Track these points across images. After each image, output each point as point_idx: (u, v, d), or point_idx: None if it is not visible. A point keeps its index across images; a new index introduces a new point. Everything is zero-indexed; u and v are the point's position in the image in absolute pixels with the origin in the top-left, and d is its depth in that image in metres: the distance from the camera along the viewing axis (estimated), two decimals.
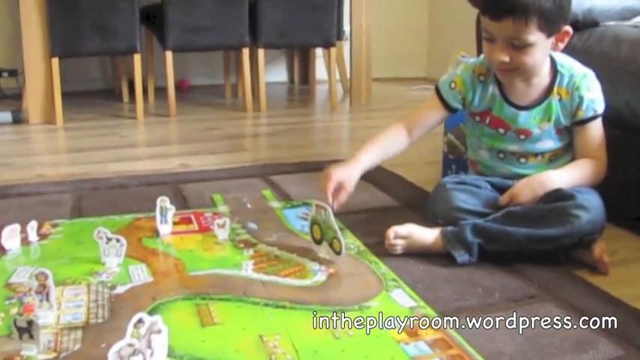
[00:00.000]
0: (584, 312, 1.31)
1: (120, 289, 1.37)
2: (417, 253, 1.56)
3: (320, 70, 4.48)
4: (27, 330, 1.12)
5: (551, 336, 1.22)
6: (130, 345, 1.00)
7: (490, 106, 1.68)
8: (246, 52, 3.55)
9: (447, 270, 1.50)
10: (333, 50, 3.77)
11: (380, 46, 4.01)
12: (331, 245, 1.50)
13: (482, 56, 1.69)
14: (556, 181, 1.57)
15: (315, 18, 3.63)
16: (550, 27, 1.51)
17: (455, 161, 2.11)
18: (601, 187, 1.61)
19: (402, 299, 1.34)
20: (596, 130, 1.64)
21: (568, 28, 1.56)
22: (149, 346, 1.03)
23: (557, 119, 1.64)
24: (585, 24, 1.95)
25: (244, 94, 3.65)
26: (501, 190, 1.66)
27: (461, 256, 1.52)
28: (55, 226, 1.74)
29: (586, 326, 1.25)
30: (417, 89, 4.58)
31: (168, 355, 1.10)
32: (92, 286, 1.38)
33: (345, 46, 4.25)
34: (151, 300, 1.32)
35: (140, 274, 1.45)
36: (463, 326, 1.24)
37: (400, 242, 1.56)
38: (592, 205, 1.50)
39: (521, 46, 1.51)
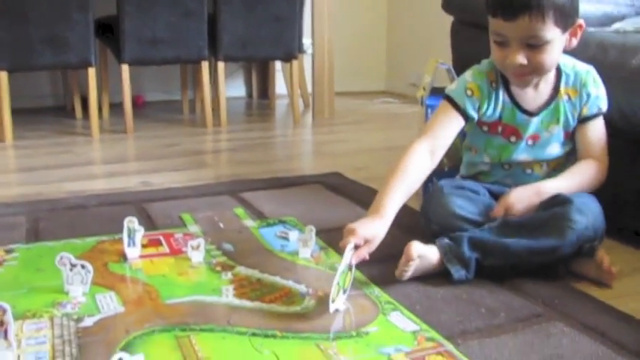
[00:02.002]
0: (596, 330, 1.23)
1: (88, 322, 1.22)
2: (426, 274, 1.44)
3: (279, 85, 4.37)
4: None
5: (570, 357, 1.12)
6: None
7: (500, 114, 1.57)
8: (205, 65, 3.41)
9: (444, 289, 1.39)
10: (295, 63, 3.66)
11: (339, 60, 3.92)
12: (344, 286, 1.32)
13: (486, 62, 1.59)
14: (553, 189, 1.49)
15: (277, 30, 3.51)
16: (565, 21, 1.43)
17: (435, 173, 2.01)
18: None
19: (403, 323, 1.23)
20: (598, 128, 1.57)
21: (581, 21, 1.48)
22: None
23: (565, 121, 1.56)
24: None
25: (204, 109, 3.51)
26: (500, 197, 1.55)
27: (457, 272, 1.41)
28: (9, 251, 1.58)
29: (603, 346, 1.16)
30: (378, 102, 4.51)
31: None
32: (56, 319, 1.23)
33: (305, 59, 4.15)
34: (124, 333, 1.18)
35: (109, 303, 1.31)
36: (472, 351, 1.13)
37: (416, 262, 1.40)
38: (590, 210, 1.44)
39: (538, 45, 1.42)
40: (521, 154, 1.59)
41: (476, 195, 1.58)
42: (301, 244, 1.57)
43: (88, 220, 1.84)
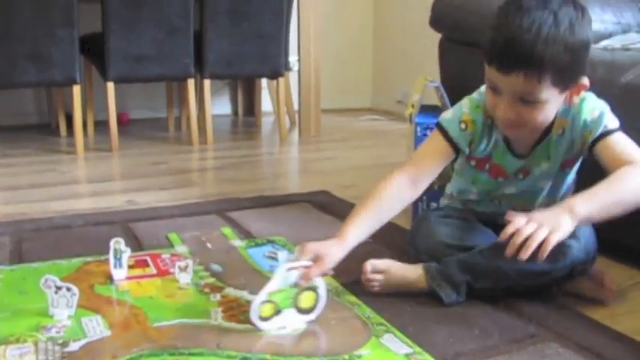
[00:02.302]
0: (591, 350, 1.22)
1: (73, 346, 1.19)
2: (400, 292, 1.43)
3: (265, 102, 4.36)
4: None
5: None
6: None
7: (491, 152, 1.49)
8: (191, 82, 3.39)
9: (435, 310, 1.38)
10: (281, 80, 3.65)
11: (324, 77, 3.91)
12: (296, 304, 1.28)
13: (483, 90, 1.46)
14: (586, 206, 1.27)
15: (263, 48, 3.49)
16: (565, 82, 1.31)
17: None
18: None
19: (395, 345, 1.21)
20: (618, 142, 1.37)
21: (584, 81, 1.35)
22: None
23: (557, 157, 1.45)
24: None
25: (189, 127, 3.48)
26: (490, 223, 1.53)
27: (448, 297, 1.40)
28: None
29: None
30: (365, 120, 4.50)
31: None
32: (40, 344, 1.20)
33: (291, 76, 4.14)
34: (111, 358, 1.15)
35: (95, 327, 1.27)
36: None
37: (378, 277, 1.44)
38: (582, 233, 1.39)
39: (531, 102, 1.30)
40: (509, 188, 1.52)
41: (464, 222, 1.54)
42: None
43: (73, 240, 1.81)
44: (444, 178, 1.83)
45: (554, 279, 1.40)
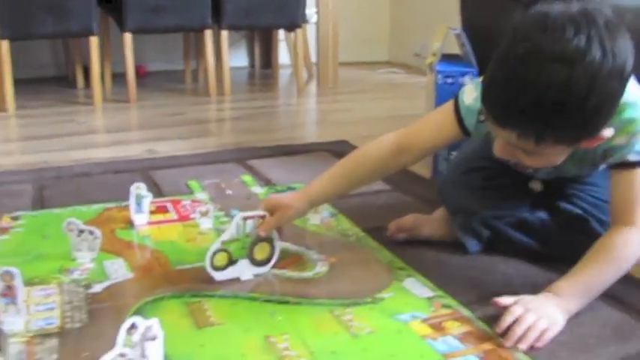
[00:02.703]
0: (614, 297, 1.20)
1: (97, 288, 1.20)
2: (422, 240, 1.43)
3: (282, 55, 4.32)
4: None
5: (588, 325, 1.10)
6: (122, 355, 0.84)
7: None
8: (208, 33, 3.36)
9: (457, 255, 1.38)
10: (299, 32, 3.61)
11: (342, 30, 3.86)
12: (251, 254, 1.26)
13: None
14: (569, 294, 1.11)
15: None
16: (572, 141, 1.05)
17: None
18: None
19: (417, 289, 1.21)
20: (625, 183, 1.15)
21: (607, 132, 1.06)
22: (143, 355, 0.87)
23: (583, 164, 1.25)
24: None
25: (207, 79, 3.46)
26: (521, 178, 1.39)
27: (473, 247, 1.39)
28: (15, 218, 1.55)
29: (621, 313, 1.14)
30: (382, 72, 4.46)
31: None
32: (64, 285, 1.21)
33: (309, 29, 4.09)
34: (134, 299, 1.16)
35: (118, 269, 1.28)
36: (489, 317, 1.11)
37: (403, 236, 1.43)
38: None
39: (530, 153, 1.06)
40: (535, 173, 1.35)
41: (503, 192, 1.37)
42: (312, 211, 1.54)
43: (93, 187, 1.82)
44: None
45: None
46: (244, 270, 1.25)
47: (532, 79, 0.95)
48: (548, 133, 1.00)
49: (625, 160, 1.13)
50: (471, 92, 1.24)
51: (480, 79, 1.17)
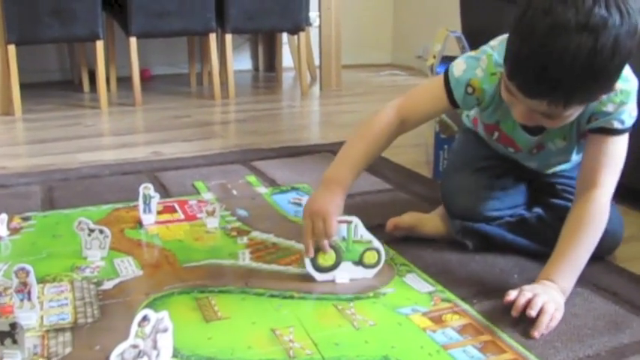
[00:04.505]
0: (608, 290, 1.24)
1: (107, 285, 1.24)
2: (422, 238, 1.46)
3: (285, 58, 4.36)
4: (9, 334, 0.98)
5: (583, 317, 1.14)
6: (134, 346, 0.88)
7: (499, 120, 1.36)
8: (213, 37, 3.40)
9: (456, 251, 1.41)
10: (302, 35, 3.65)
11: (345, 33, 3.90)
12: (361, 261, 1.29)
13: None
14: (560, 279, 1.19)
15: (284, 2, 3.49)
16: (594, 98, 1.15)
17: (447, 141, 2.01)
18: None
19: (418, 284, 1.25)
20: (609, 148, 1.23)
21: (619, 85, 1.16)
22: (155, 347, 0.91)
23: (571, 136, 1.31)
24: None
25: (211, 82, 3.51)
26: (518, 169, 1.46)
27: (471, 245, 1.43)
28: (26, 219, 1.59)
29: (615, 305, 1.18)
30: (385, 74, 4.49)
31: (173, 355, 0.98)
32: (76, 283, 1.25)
33: (312, 32, 4.14)
34: (144, 295, 1.20)
35: (128, 267, 1.32)
36: (487, 310, 1.15)
37: (401, 234, 1.47)
38: (613, 229, 1.32)
39: (552, 117, 1.15)
40: (524, 162, 1.43)
41: (503, 192, 1.43)
42: None
43: (101, 188, 1.86)
44: (447, 130, 1.83)
45: None
46: (343, 272, 1.27)
47: (561, 51, 1.01)
48: (576, 97, 1.08)
49: (608, 125, 1.21)
50: (460, 65, 1.31)
51: (471, 53, 1.31)
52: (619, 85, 1.16)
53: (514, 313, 1.10)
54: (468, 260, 1.37)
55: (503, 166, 1.45)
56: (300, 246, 1.40)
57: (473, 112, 1.50)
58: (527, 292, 1.12)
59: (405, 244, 1.44)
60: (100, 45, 3.14)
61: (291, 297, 1.19)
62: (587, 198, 1.22)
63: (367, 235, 1.28)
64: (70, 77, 3.99)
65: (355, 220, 1.27)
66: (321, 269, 1.26)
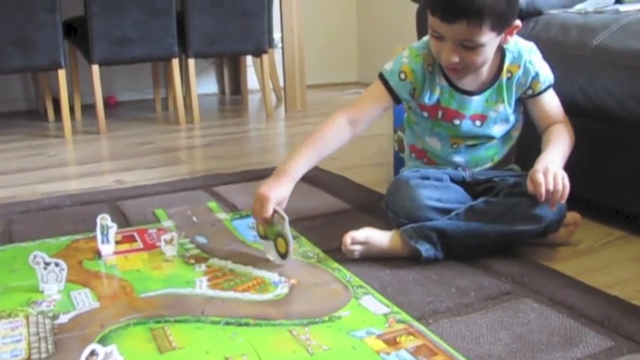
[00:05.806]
0: (564, 304, 1.26)
1: (63, 319, 1.23)
2: (379, 257, 1.47)
3: (251, 80, 4.37)
4: None
5: (538, 332, 1.15)
6: None
7: (439, 98, 1.58)
8: (176, 62, 3.41)
9: (414, 272, 1.42)
10: (265, 57, 3.67)
11: (310, 53, 3.93)
12: (275, 245, 1.46)
13: (425, 40, 1.57)
14: (558, 162, 1.47)
15: (246, 25, 3.51)
16: (502, 26, 1.44)
17: None
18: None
19: (374, 306, 1.25)
20: (554, 97, 1.61)
21: (518, 22, 1.49)
22: None
23: (509, 98, 1.58)
24: (529, 13, 1.92)
25: (176, 107, 3.51)
26: (458, 182, 1.60)
27: (427, 251, 1.44)
28: None
29: (570, 319, 1.19)
30: (350, 94, 4.52)
31: None
32: (31, 318, 1.24)
33: (276, 53, 4.16)
34: (100, 327, 1.19)
35: (84, 299, 1.32)
36: (443, 330, 1.16)
37: (358, 248, 1.48)
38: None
39: (472, 47, 1.43)
40: (468, 134, 1.60)
41: (440, 182, 1.57)
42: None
43: (61, 220, 1.84)
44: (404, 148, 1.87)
45: (527, 238, 1.49)
46: (271, 249, 1.48)
47: None
48: (487, 17, 1.37)
49: (548, 85, 1.58)
50: (389, 63, 1.60)
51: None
52: (537, 53, 1.57)
53: (550, 187, 1.37)
54: (425, 279, 1.38)
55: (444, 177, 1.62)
56: (258, 272, 1.42)
57: (409, 138, 1.74)
58: (549, 172, 1.38)
59: (363, 266, 1.44)
60: (62, 74, 3.13)
61: (247, 324, 1.19)
62: (559, 124, 1.58)
63: (286, 231, 1.43)
64: (35, 106, 3.98)
65: (287, 218, 1.43)
66: (263, 237, 1.49)
